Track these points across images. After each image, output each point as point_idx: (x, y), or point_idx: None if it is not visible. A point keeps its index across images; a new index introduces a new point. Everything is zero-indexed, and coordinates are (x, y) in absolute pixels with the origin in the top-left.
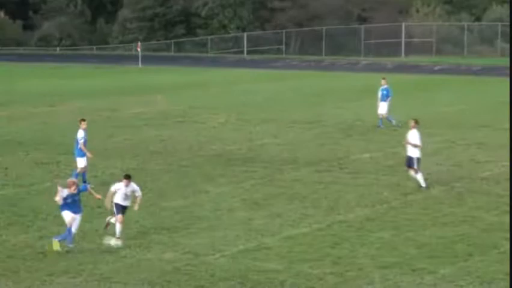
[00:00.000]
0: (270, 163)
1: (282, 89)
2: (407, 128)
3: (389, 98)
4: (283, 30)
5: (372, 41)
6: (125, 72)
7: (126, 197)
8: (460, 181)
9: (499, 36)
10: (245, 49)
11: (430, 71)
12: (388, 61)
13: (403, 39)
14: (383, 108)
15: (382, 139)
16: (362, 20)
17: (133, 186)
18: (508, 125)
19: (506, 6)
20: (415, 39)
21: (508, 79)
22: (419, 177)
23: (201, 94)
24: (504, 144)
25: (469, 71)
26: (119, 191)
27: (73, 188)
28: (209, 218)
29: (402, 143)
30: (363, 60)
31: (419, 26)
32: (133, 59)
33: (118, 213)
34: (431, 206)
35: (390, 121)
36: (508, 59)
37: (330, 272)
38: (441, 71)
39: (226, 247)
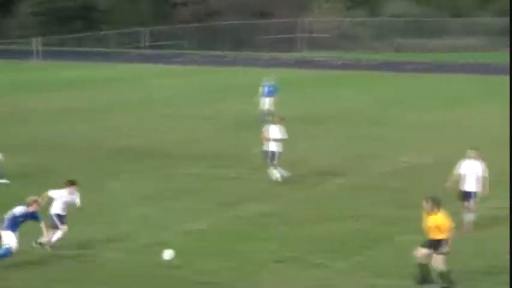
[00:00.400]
0: (168, 158)
1: (183, 84)
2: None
3: (275, 94)
4: (185, 26)
5: (273, 36)
6: (23, 67)
7: (66, 206)
8: (356, 176)
9: (396, 32)
10: (146, 44)
11: (330, 66)
12: (288, 56)
13: (303, 35)
14: (266, 103)
15: None
16: (263, 15)
17: (76, 193)
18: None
19: (403, 1)
20: (315, 35)
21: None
22: (278, 171)
23: (101, 89)
24: (401, 139)
25: (367, 66)
26: (60, 199)
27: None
28: (105, 214)
29: (263, 139)
30: (264, 55)
31: (319, 21)
32: (32, 54)
33: (62, 223)
34: (327, 201)
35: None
36: (404, 54)
37: (227, 267)
38: (341, 66)
39: (123, 243)
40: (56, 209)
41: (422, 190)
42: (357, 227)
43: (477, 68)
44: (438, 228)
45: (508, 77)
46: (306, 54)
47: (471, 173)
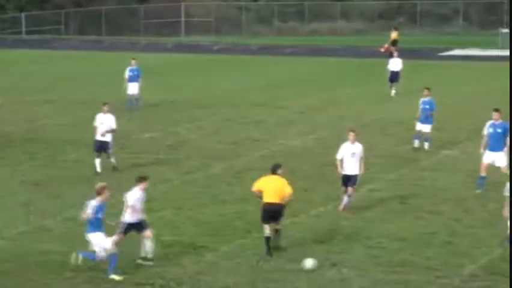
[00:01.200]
0: (51, 144)
1: (63, 70)
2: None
3: (139, 79)
4: (63, 10)
5: (152, 21)
6: None
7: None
8: (238, 159)
9: (275, 16)
10: (23, 29)
11: (209, 50)
12: (168, 41)
13: (183, 19)
14: (133, 88)
15: (162, 119)
16: (143, 0)
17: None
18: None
19: None
20: (195, 19)
21: None
22: (112, 160)
23: None
24: (280, 122)
25: (246, 51)
26: (137, 200)
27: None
28: None
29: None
30: (143, 40)
31: (198, 5)
32: None
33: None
34: (211, 184)
35: (136, 102)
36: (284, 38)
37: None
38: (220, 51)
39: (6, 229)
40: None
41: (303, 172)
42: (241, 209)
43: (356, 52)
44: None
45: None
46: (186, 39)
47: (349, 155)
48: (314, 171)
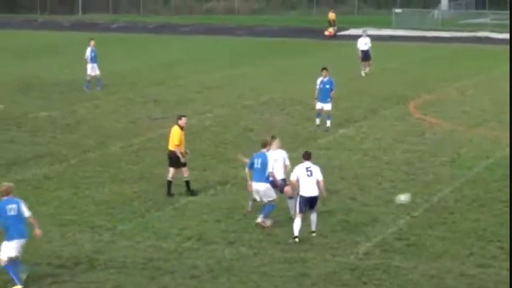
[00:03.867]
0: None
1: None
2: None
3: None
4: None
5: None
6: None
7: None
8: (137, 138)
9: None
10: None
11: (107, 28)
12: (65, 19)
13: None
14: (95, 69)
15: (60, 98)
16: None
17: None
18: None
19: None
20: None
21: None
22: None
23: None
24: (178, 101)
25: (144, 29)
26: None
27: None
28: None
29: None
30: (40, 17)
31: None
32: None
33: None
34: (109, 164)
35: (98, 83)
36: (182, 17)
37: None
38: (118, 29)
39: None
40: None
41: (201, 151)
42: (140, 188)
43: (253, 31)
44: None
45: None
46: (83, 17)
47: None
48: (212, 149)
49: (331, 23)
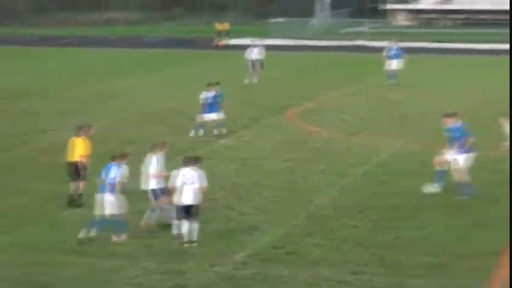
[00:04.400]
0: None
1: None
2: None
3: None
4: None
5: None
6: None
7: None
8: (16, 150)
9: (54, 5)
10: None
11: None
12: None
13: None
14: None
15: None
16: None
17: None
18: None
19: None
20: None
21: None
22: None
23: None
24: (59, 112)
25: (24, 41)
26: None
27: None
28: None
29: None
30: None
31: None
32: None
33: None
34: None
35: None
36: (62, 29)
37: None
38: None
39: None
40: None
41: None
42: (15, 202)
43: (132, 42)
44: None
45: None
46: None
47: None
48: (92, 161)
49: (220, 34)
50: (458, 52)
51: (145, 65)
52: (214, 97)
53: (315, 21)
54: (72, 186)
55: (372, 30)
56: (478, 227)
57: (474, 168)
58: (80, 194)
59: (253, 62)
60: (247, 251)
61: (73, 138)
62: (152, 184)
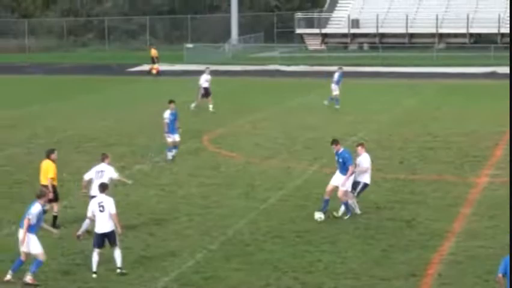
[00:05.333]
0: None
1: None
2: None
3: None
4: None
5: None
6: None
7: None
8: None
9: None
10: None
11: None
12: None
13: None
14: None
15: None
16: None
17: None
18: None
19: None
20: None
21: None
22: None
23: None
24: None
25: None
26: None
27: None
28: None
29: None
30: None
31: None
32: None
33: None
34: None
35: None
36: None
37: None
38: None
39: None
40: None
41: None
42: None
43: (45, 69)
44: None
45: None
46: None
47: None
48: (5, 189)
49: (154, 60)
50: (369, 75)
51: (58, 91)
52: (172, 115)
53: (227, 47)
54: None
55: (283, 55)
56: (395, 249)
57: (389, 191)
58: (55, 216)
59: (204, 89)
60: (169, 277)
61: (43, 161)
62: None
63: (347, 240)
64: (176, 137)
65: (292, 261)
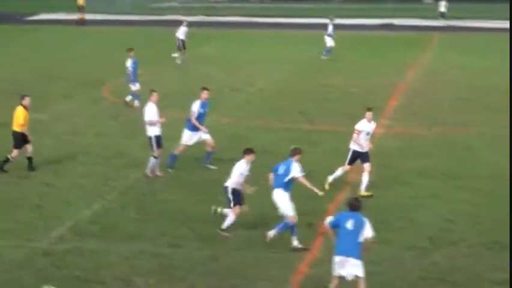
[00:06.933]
0: None
1: None
2: None
3: None
4: None
5: None
6: None
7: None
8: None
9: None
10: None
11: None
12: None
13: None
14: None
15: None
16: None
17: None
18: None
19: None
20: None
21: None
22: None
23: None
24: None
25: None
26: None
27: None
28: None
29: None
30: None
31: None
32: None
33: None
34: None
35: None
36: None
37: None
38: None
39: None
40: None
41: None
42: None
43: None
44: None
45: None
46: None
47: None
48: None
49: (80, 9)
50: (269, 26)
51: None
52: (135, 63)
53: None
54: (14, 153)
55: (183, 5)
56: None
57: (288, 141)
58: (30, 157)
59: (183, 41)
60: (64, 226)
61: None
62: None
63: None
64: (138, 85)
65: (189, 211)
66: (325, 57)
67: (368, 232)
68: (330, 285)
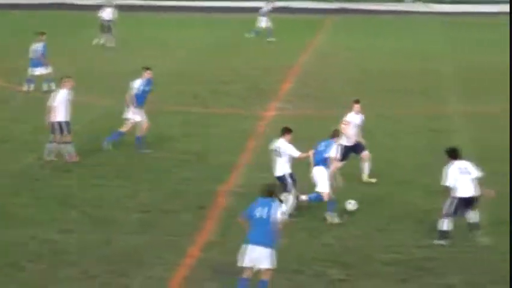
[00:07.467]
0: None
1: None
2: None
3: None
4: None
5: None
6: None
7: None
8: None
9: None
10: None
11: None
12: None
13: None
14: None
15: None
16: None
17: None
18: None
19: None
20: None
21: None
22: None
23: None
24: None
25: None
26: None
27: None
28: None
29: None
30: None
31: None
32: None
33: None
34: None
35: None
36: None
37: None
38: None
39: None
40: None
41: None
42: None
43: None
44: None
45: None
46: None
47: None
48: None
49: None
50: (170, 10)
51: None
52: (44, 48)
53: None
54: None
55: None
56: (186, 181)
57: (181, 125)
58: None
59: (107, 21)
60: None
61: None
62: None
63: (138, 174)
64: (43, 70)
65: (81, 195)
66: (270, 40)
67: (277, 216)
68: (244, 275)
